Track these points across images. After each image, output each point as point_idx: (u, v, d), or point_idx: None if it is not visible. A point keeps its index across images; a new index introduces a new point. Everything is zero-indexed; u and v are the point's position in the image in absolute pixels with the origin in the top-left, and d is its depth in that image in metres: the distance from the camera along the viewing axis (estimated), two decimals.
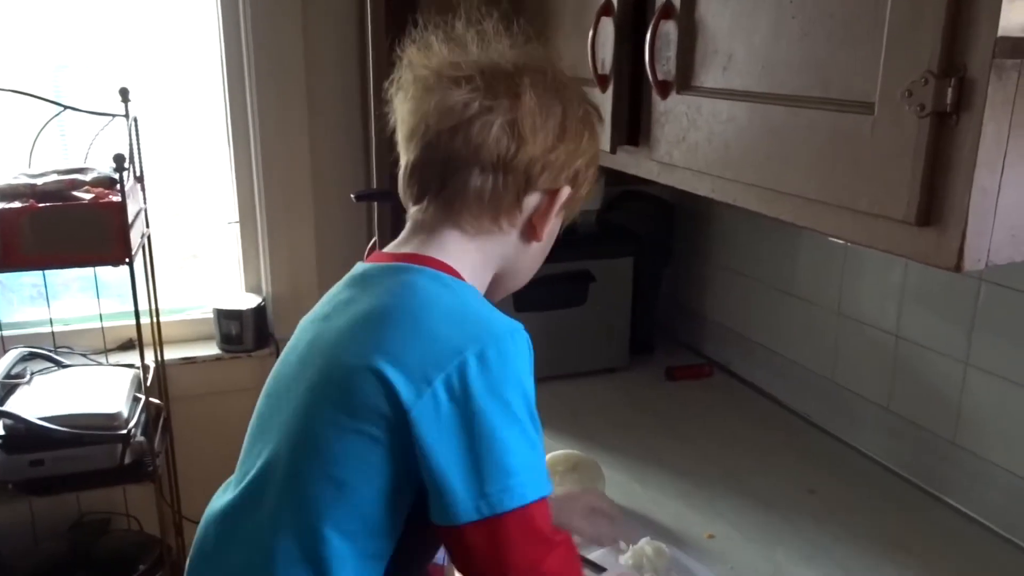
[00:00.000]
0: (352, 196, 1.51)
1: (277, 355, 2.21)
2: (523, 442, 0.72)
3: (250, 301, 2.14)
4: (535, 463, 0.73)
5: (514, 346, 0.75)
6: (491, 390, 0.71)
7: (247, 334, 2.13)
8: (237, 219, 2.18)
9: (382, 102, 0.93)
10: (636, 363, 1.70)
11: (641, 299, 1.68)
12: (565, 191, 0.87)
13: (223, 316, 2.11)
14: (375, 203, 1.70)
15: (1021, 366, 1.10)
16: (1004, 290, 1.11)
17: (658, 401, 1.57)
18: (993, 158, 0.69)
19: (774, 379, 1.58)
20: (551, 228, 0.89)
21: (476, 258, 0.85)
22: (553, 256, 1.58)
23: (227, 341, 2.14)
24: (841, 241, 1.38)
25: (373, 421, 0.72)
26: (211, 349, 2.13)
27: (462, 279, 0.82)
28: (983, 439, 1.17)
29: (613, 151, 1.25)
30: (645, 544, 1.08)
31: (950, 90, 0.69)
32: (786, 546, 1.12)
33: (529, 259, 0.92)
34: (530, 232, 0.87)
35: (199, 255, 2.23)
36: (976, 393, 1.17)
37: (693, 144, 1.05)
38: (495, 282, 0.90)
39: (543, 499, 0.73)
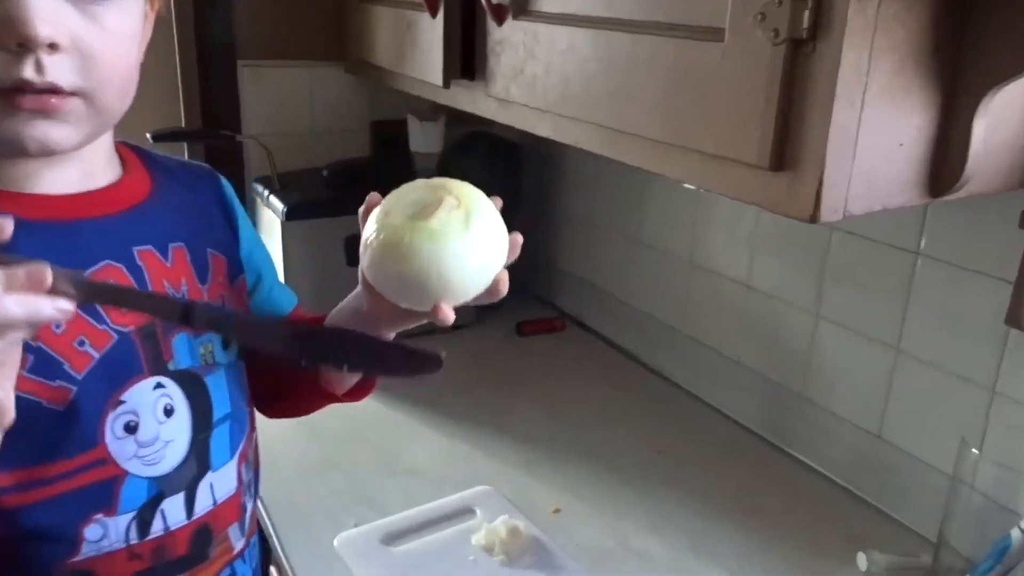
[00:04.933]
0: (148, 136, 1.30)
1: None
2: None
3: None
4: None
5: None
6: None
7: None
8: None
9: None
10: (484, 318, 1.58)
11: None
12: None
13: None
14: (184, 144, 1.49)
15: (869, 318, 1.06)
16: (855, 238, 1.06)
17: (506, 359, 1.46)
18: (852, 90, 0.61)
19: (627, 332, 1.52)
20: None
21: None
22: None
23: None
24: (692, 187, 1.31)
25: None
26: None
27: None
28: (831, 393, 1.13)
29: (446, 85, 1.11)
30: (500, 524, 0.97)
31: (807, 13, 0.59)
32: (633, 516, 1.05)
33: None
34: None
35: None
36: (825, 345, 1.13)
37: (531, 77, 0.93)
38: None
39: None
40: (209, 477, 0.66)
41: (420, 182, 0.66)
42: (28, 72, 0.52)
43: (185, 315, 0.55)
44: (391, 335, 0.70)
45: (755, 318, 1.23)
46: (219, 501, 0.67)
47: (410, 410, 1.27)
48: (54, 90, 0.54)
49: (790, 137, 0.64)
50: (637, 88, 0.77)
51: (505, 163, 1.60)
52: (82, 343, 0.59)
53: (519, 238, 0.67)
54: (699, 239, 1.32)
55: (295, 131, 1.55)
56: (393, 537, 0.98)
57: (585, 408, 1.31)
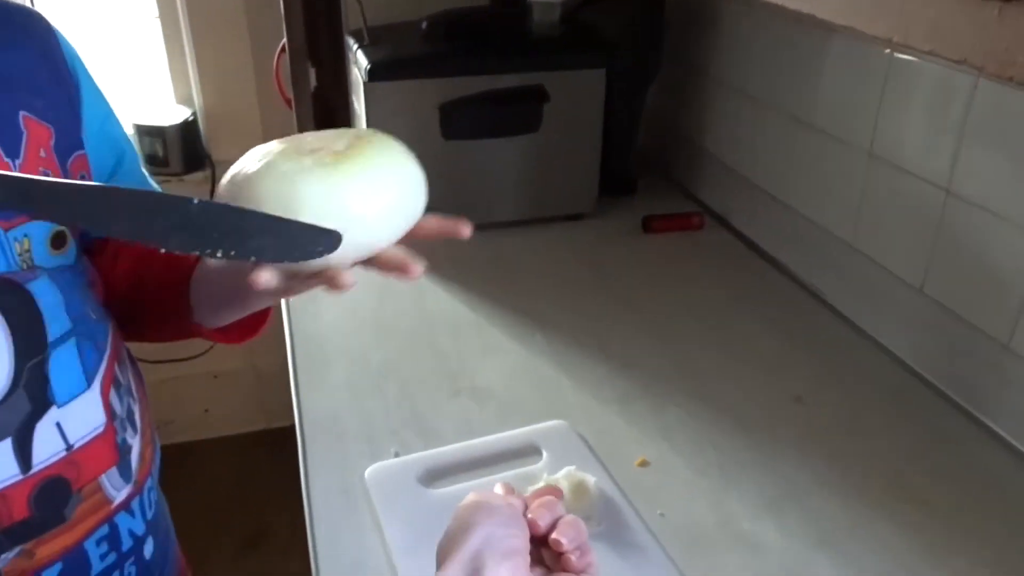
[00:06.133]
0: None
1: (214, 181, 1.92)
2: None
3: (176, 115, 1.82)
4: None
5: None
6: None
7: (173, 155, 1.82)
8: (157, 13, 1.82)
9: None
10: (609, 207, 1.34)
11: (617, 125, 1.29)
12: None
13: (143, 133, 1.80)
14: None
15: None
16: None
17: (624, 262, 1.22)
18: None
19: (780, 239, 1.22)
20: None
21: None
22: (492, 67, 1.20)
23: (151, 163, 1.84)
24: (888, 49, 0.97)
25: None
26: None
27: None
28: None
29: None
30: (564, 476, 0.77)
31: None
32: (746, 485, 0.80)
33: None
34: None
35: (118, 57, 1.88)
36: None
37: None
38: None
39: None
40: (53, 415, 0.50)
41: (345, 130, 0.54)
42: None
43: None
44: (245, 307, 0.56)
45: (953, 234, 0.91)
46: (76, 445, 0.52)
47: (495, 314, 1.07)
48: None
49: None
50: None
51: (643, 18, 1.29)
52: None
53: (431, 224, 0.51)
54: (884, 121, 0.98)
55: None
56: (434, 476, 0.80)
57: (711, 331, 1.05)
